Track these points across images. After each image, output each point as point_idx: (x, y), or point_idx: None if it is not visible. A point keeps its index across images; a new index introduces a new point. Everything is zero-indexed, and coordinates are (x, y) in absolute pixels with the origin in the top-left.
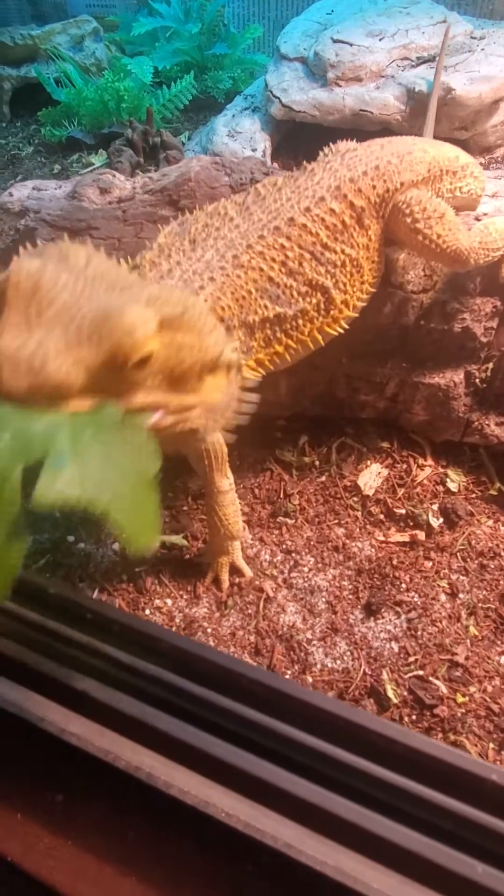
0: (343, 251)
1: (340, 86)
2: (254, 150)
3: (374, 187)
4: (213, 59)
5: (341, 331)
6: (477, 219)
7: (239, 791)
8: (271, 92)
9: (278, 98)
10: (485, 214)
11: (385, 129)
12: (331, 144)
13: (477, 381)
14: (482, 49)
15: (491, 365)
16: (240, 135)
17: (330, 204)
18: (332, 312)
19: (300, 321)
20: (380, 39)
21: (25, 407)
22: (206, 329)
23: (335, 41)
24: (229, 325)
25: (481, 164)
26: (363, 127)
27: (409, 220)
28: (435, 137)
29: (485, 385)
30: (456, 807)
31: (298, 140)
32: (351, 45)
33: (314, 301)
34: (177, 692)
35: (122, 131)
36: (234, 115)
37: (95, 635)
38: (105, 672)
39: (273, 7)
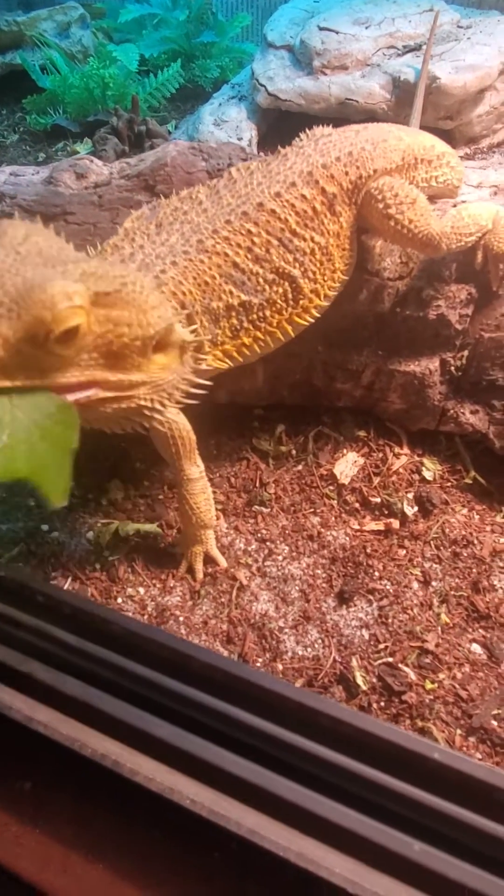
0: (312, 238)
1: (326, 74)
2: (240, 139)
3: (346, 173)
4: (201, 48)
5: (311, 321)
6: (455, 206)
7: (202, 781)
8: (257, 80)
9: (264, 86)
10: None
11: (371, 117)
12: (307, 130)
13: (452, 368)
14: (468, 38)
15: (466, 353)
16: (226, 123)
17: (301, 189)
18: (301, 302)
19: (267, 311)
20: (366, 27)
21: None
22: (146, 305)
23: (321, 29)
24: (191, 310)
25: (466, 154)
26: (349, 116)
27: (381, 206)
28: (420, 127)
29: (460, 373)
30: (408, 790)
31: (285, 129)
32: (337, 32)
33: (281, 290)
34: (134, 678)
35: (108, 119)
36: (220, 104)
37: (49, 619)
38: (60, 657)
39: None
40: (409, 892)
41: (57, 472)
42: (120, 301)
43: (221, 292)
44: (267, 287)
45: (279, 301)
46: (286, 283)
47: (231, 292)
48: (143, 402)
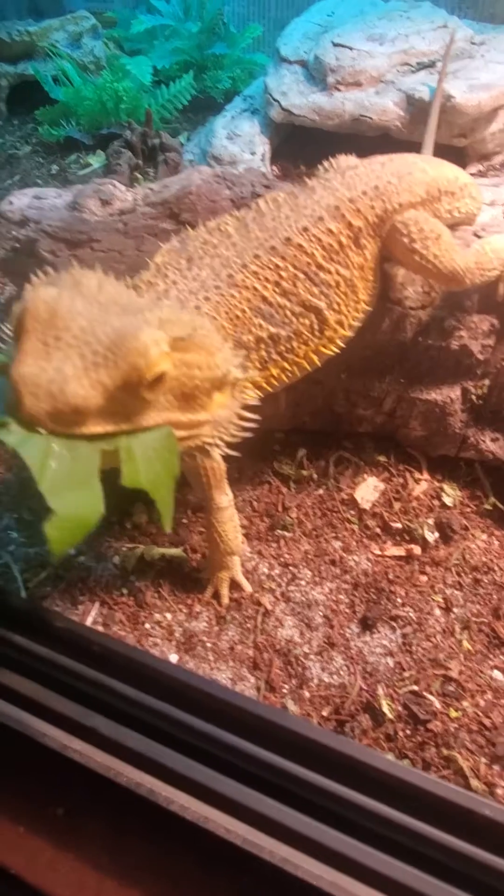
0: (338, 271)
1: (340, 90)
2: (253, 154)
3: (372, 207)
4: (213, 59)
5: (337, 351)
6: (476, 234)
7: (238, 818)
8: (271, 95)
9: (278, 101)
10: (483, 228)
11: (384, 135)
12: (331, 159)
13: (473, 397)
14: (482, 56)
15: (487, 382)
16: (239, 138)
17: (328, 223)
18: (326, 333)
19: (295, 343)
20: (380, 44)
21: (46, 430)
22: (213, 348)
23: (336, 45)
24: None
25: (479, 171)
26: (363, 132)
27: (406, 240)
28: (434, 144)
29: (481, 401)
30: (443, 838)
31: (297, 143)
32: (351, 49)
33: (308, 322)
34: (177, 725)
35: (121, 132)
36: (233, 117)
37: (100, 668)
38: (111, 706)
39: (273, 7)
40: None
41: (166, 492)
42: (192, 345)
43: (251, 325)
44: (294, 319)
45: (306, 332)
46: (312, 315)
47: (260, 325)
48: (206, 440)
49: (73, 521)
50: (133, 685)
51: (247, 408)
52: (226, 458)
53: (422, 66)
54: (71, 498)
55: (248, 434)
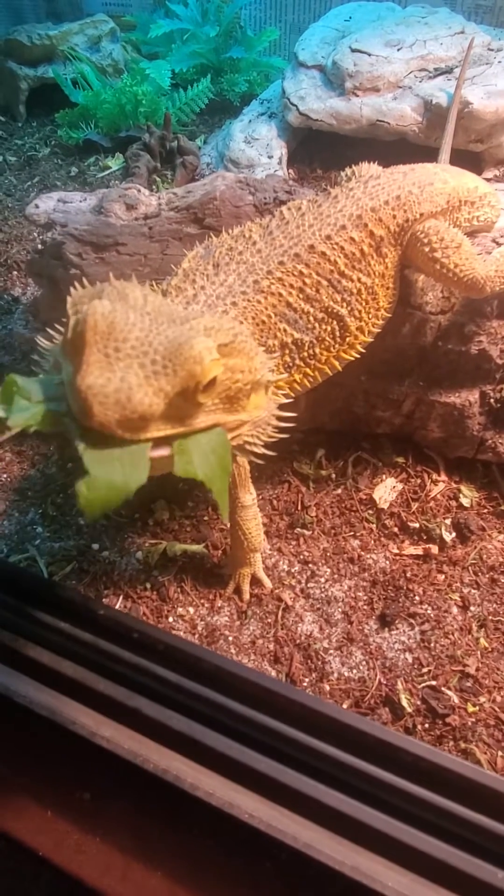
0: (359, 279)
1: (358, 95)
2: (270, 157)
3: (394, 217)
4: (230, 62)
5: (357, 356)
6: (495, 241)
7: (263, 794)
8: (288, 99)
9: (295, 106)
10: (502, 235)
11: (401, 139)
12: (353, 167)
13: (491, 401)
14: (499, 62)
15: None
16: (256, 141)
17: (350, 232)
18: (347, 339)
19: (317, 349)
20: (398, 50)
21: (113, 434)
22: (252, 352)
23: (353, 50)
24: None
25: (496, 176)
26: (380, 137)
27: (426, 249)
28: (451, 149)
29: (499, 405)
30: (464, 813)
31: (314, 147)
32: (369, 54)
33: (330, 328)
34: (207, 704)
35: (140, 135)
36: (250, 121)
37: (142, 654)
38: (144, 685)
39: (290, 10)
40: None
41: (222, 485)
42: (234, 350)
43: (276, 331)
44: (317, 325)
45: (328, 338)
46: (334, 322)
47: (285, 330)
48: (246, 439)
49: (109, 486)
50: (172, 669)
51: (280, 408)
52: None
53: (439, 72)
54: (111, 466)
55: (284, 435)
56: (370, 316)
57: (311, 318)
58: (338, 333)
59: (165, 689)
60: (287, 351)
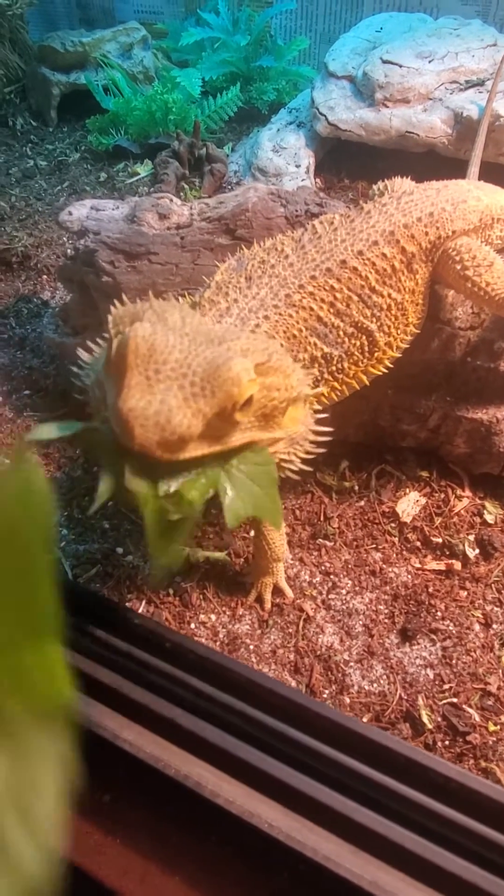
0: (389, 295)
1: (388, 107)
2: (297, 166)
3: (426, 234)
4: (259, 71)
5: (385, 371)
6: None
7: (284, 804)
8: (318, 109)
9: (325, 116)
10: None
11: (430, 151)
12: (384, 181)
13: None
14: None
15: None
16: (284, 150)
17: (382, 248)
18: (376, 354)
19: (346, 363)
20: (429, 61)
21: (153, 457)
22: (289, 370)
23: (384, 62)
24: None
25: None
26: (408, 148)
27: (458, 266)
28: (481, 163)
29: None
30: (487, 833)
31: (342, 156)
32: (400, 66)
33: (359, 343)
34: (232, 712)
35: (169, 142)
36: (278, 130)
37: (172, 662)
38: (167, 690)
39: (320, 20)
40: None
41: (272, 504)
42: (270, 370)
43: (307, 344)
44: (346, 340)
45: (356, 353)
46: (363, 337)
47: (315, 344)
48: (282, 456)
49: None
50: (204, 680)
51: (317, 423)
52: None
53: (470, 85)
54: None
55: (321, 450)
56: (399, 331)
57: (341, 333)
58: (367, 348)
59: (192, 697)
60: (316, 365)
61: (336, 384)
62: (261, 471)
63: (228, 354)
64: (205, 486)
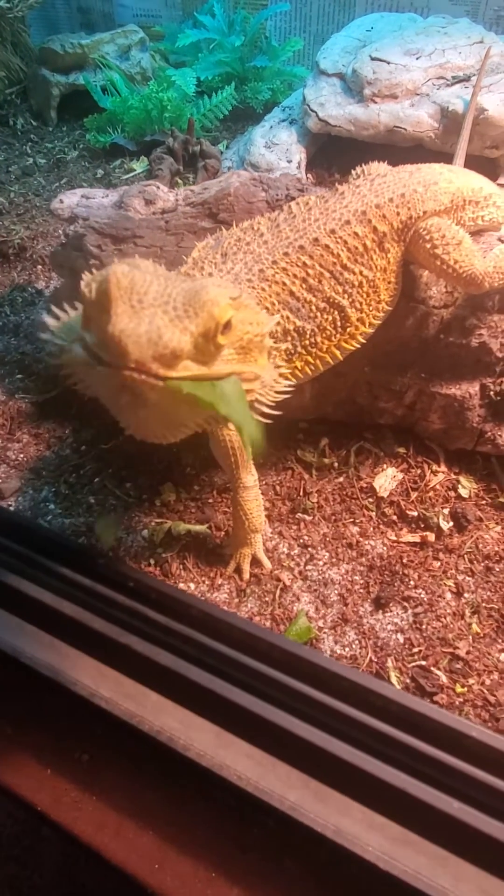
0: (361, 272)
1: (376, 102)
2: (289, 162)
3: (398, 214)
4: (254, 71)
5: (357, 346)
6: (500, 239)
7: (251, 740)
8: (309, 106)
9: (315, 112)
10: None
11: (418, 145)
12: (363, 165)
13: (491, 393)
14: None
15: None
16: (276, 146)
17: (354, 227)
18: (348, 329)
19: (318, 337)
20: (417, 58)
21: (151, 373)
22: (256, 309)
23: (373, 59)
24: None
25: None
26: (397, 143)
27: (428, 245)
28: (466, 155)
29: (499, 398)
30: (441, 756)
31: (333, 152)
32: (388, 63)
33: (331, 318)
34: (201, 649)
35: (164, 140)
36: (271, 127)
37: (140, 601)
38: (141, 629)
39: (314, 21)
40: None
41: (249, 423)
42: (241, 305)
43: (280, 317)
44: (319, 314)
45: (329, 328)
46: (336, 312)
47: (287, 318)
48: (258, 396)
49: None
50: (163, 613)
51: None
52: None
53: (457, 80)
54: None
55: (287, 395)
56: (371, 308)
57: (314, 308)
58: (339, 323)
59: (157, 632)
60: (289, 338)
61: (310, 358)
62: (240, 396)
63: (204, 283)
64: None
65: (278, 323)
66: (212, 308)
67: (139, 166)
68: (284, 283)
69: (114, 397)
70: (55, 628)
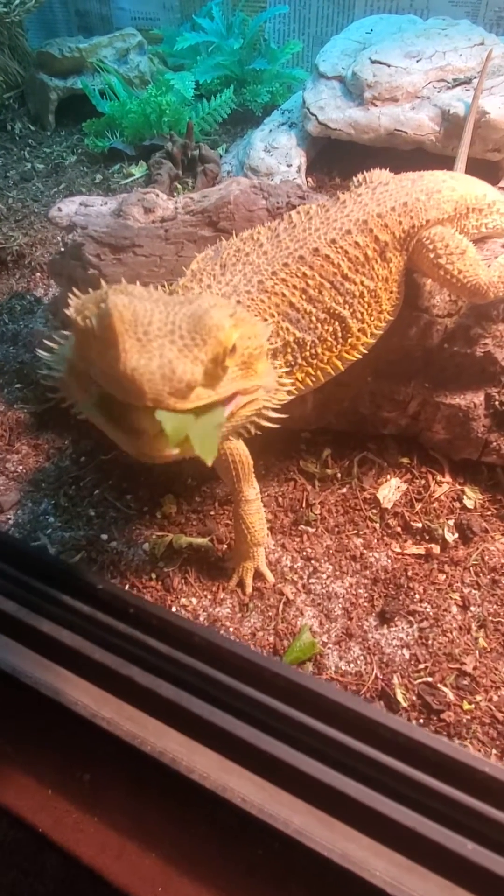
0: (362, 283)
1: (376, 105)
2: (289, 166)
3: (400, 223)
4: (253, 74)
5: (359, 357)
6: None
7: (255, 771)
8: (308, 109)
9: (315, 116)
10: None
11: (419, 149)
12: (364, 173)
13: (496, 403)
14: None
15: None
16: (276, 150)
17: (355, 237)
18: (349, 340)
19: (319, 348)
20: (417, 61)
21: (168, 408)
22: (252, 321)
23: (373, 62)
24: None
25: None
26: (397, 146)
27: (431, 255)
28: (468, 159)
29: None
30: (451, 793)
31: (333, 156)
32: (388, 66)
33: (332, 328)
34: (204, 679)
35: (163, 144)
36: (270, 130)
37: (139, 628)
38: (143, 659)
39: (313, 24)
40: (444, 890)
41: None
42: (239, 320)
43: (279, 329)
44: (319, 325)
45: (329, 338)
46: (336, 323)
47: (287, 329)
48: (263, 403)
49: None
50: (165, 642)
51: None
52: (253, 455)
53: (458, 83)
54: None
55: (291, 396)
56: (372, 318)
57: (314, 319)
58: (340, 334)
59: (158, 661)
60: (290, 350)
61: (311, 370)
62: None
63: (205, 307)
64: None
65: (278, 335)
66: (218, 333)
67: (138, 171)
68: (284, 295)
69: (125, 430)
70: (54, 656)
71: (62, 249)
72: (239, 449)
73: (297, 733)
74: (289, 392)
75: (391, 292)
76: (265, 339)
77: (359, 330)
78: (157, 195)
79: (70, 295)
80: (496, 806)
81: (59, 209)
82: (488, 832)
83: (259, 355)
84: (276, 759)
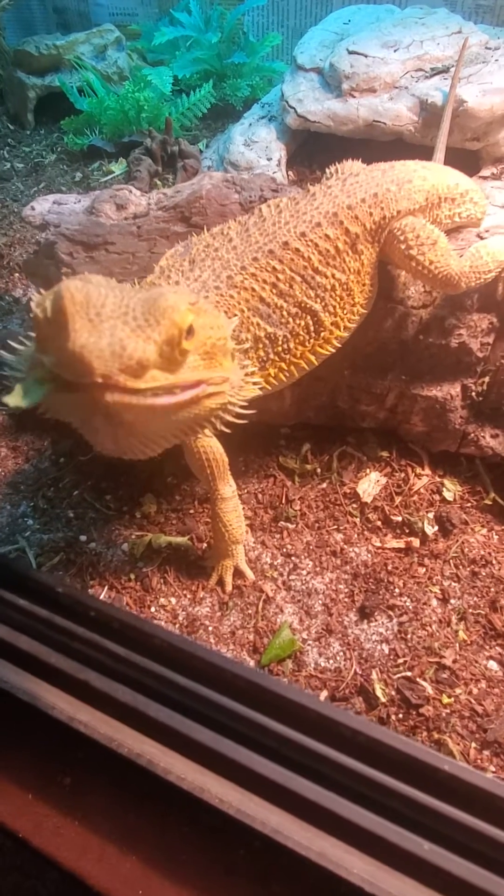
0: (333, 276)
1: (355, 97)
2: (269, 160)
3: (370, 214)
4: (232, 68)
5: (332, 351)
6: (479, 235)
7: (229, 779)
8: (287, 102)
9: (294, 108)
10: (486, 230)
11: (398, 139)
12: (336, 164)
13: (473, 394)
14: (496, 60)
15: (487, 379)
16: (256, 144)
17: (325, 230)
18: (322, 334)
19: (291, 343)
20: (394, 51)
21: (119, 387)
22: (215, 312)
23: (350, 52)
24: None
25: (493, 174)
26: (376, 137)
27: (403, 246)
28: (447, 148)
29: (480, 398)
30: (410, 792)
31: (313, 149)
32: (366, 56)
33: (304, 323)
34: (170, 685)
35: (142, 140)
36: (250, 124)
37: (99, 632)
38: (106, 665)
39: (292, 16)
40: (420, 890)
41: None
42: (200, 310)
43: (250, 325)
44: (291, 320)
45: (302, 333)
46: (308, 317)
47: (258, 324)
48: (229, 398)
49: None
50: (128, 647)
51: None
52: (230, 450)
53: (436, 72)
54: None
55: (257, 392)
56: (345, 311)
57: (285, 313)
58: (312, 328)
59: (118, 665)
60: (261, 345)
61: (283, 365)
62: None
63: (161, 290)
64: None
65: (249, 330)
66: (172, 314)
67: (118, 168)
68: (254, 289)
69: (86, 421)
70: (15, 662)
71: (36, 248)
72: (212, 447)
73: (256, 734)
74: (262, 388)
75: (364, 285)
76: (229, 332)
77: (331, 324)
78: (130, 191)
79: (31, 297)
80: (456, 805)
81: (33, 208)
82: (448, 832)
83: (223, 347)
84: (235, 762)
